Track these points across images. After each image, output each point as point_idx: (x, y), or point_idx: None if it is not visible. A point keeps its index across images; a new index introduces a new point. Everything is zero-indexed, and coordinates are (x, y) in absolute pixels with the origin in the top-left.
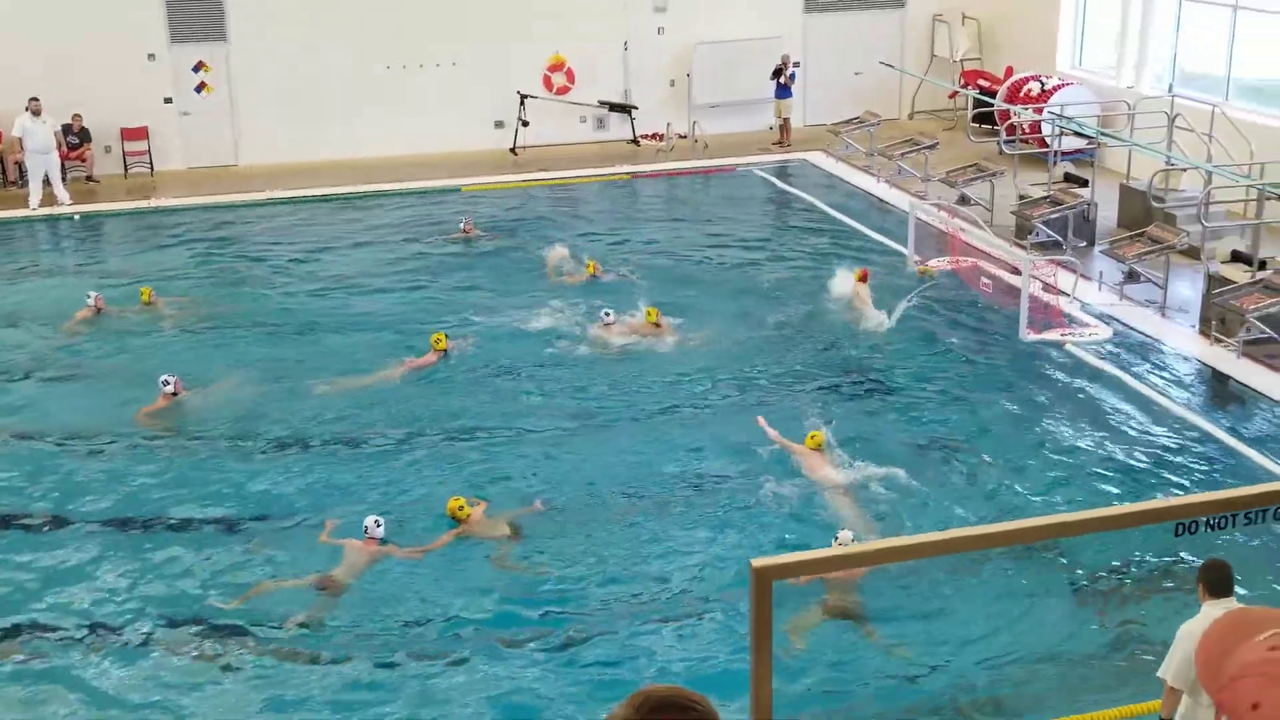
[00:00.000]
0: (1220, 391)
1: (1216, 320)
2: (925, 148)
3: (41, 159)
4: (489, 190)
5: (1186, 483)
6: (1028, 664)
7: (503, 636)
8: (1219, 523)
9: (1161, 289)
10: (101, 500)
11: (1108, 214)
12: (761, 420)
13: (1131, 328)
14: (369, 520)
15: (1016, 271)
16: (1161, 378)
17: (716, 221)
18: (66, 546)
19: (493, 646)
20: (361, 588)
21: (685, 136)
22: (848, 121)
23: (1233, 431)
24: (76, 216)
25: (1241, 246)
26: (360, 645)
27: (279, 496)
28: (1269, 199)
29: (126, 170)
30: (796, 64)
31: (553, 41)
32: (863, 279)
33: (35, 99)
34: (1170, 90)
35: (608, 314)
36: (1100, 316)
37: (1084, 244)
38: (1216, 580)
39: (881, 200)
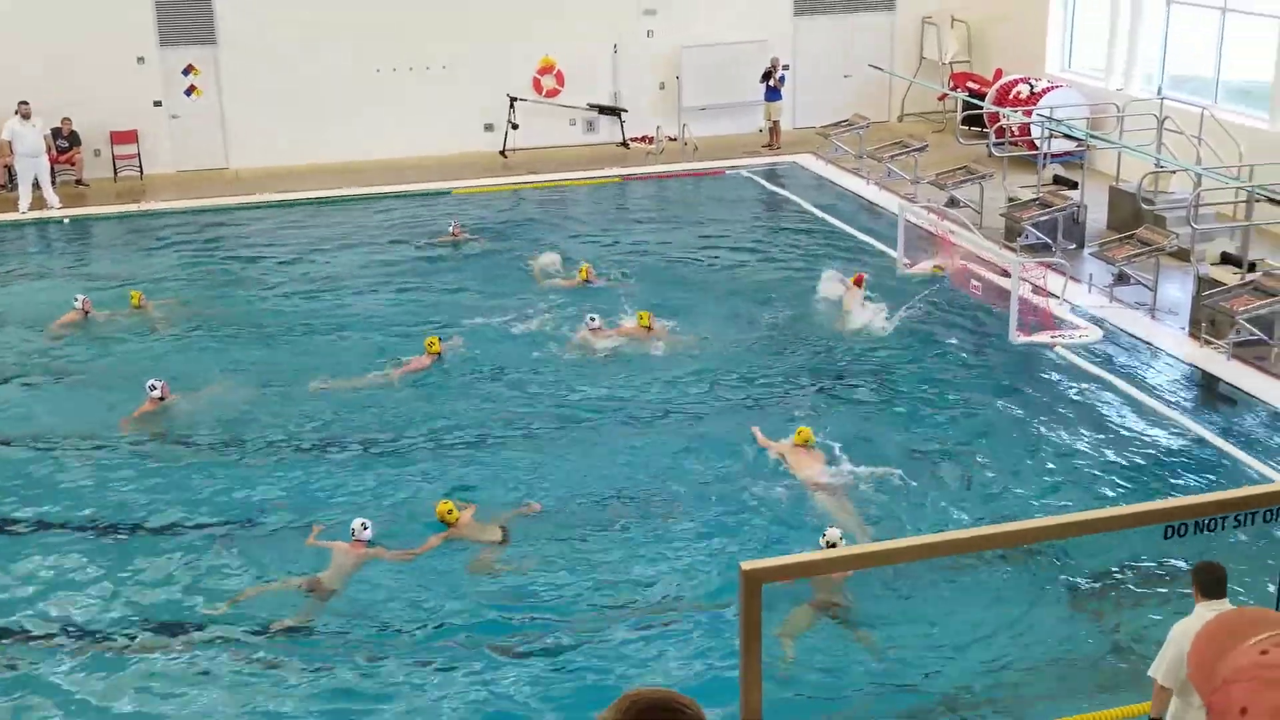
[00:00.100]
0: (1210, 393)
1: (1206, 322)
2: (915, 150)
3: (31, 162)
4: (479, 193)
5: (1176, 485)
6: (1018, 668)
7: (491, 641)
8: (1209, 525)
9: (1151, 291)
10: (87, 505)
11: (1097, 216)
12: (756, 430)
13: (1121, 330)
14: (356, 523)
15: (1006, 274)
16: (1151, 380)
17: (707, 224)
18: (50, 552)
19: (481, 651)
20: (349, 591)
21: (675, 139)
22: (837, 124)
23: (1222, 433)
24: (66, 220)
25: (1231, 248)
26: (347, 649)
27: (267, 500)
28: (1258, 201)
29: (116, 174)
30: (786, 67)
31: (542, 44)
32: (858, 283)
33: (24, 102)
34: (1159, 92)
35: (593, 319)
36: (1090, 319)
37: (1073, 246)
38: (1209, 582)
39: (871, 202)
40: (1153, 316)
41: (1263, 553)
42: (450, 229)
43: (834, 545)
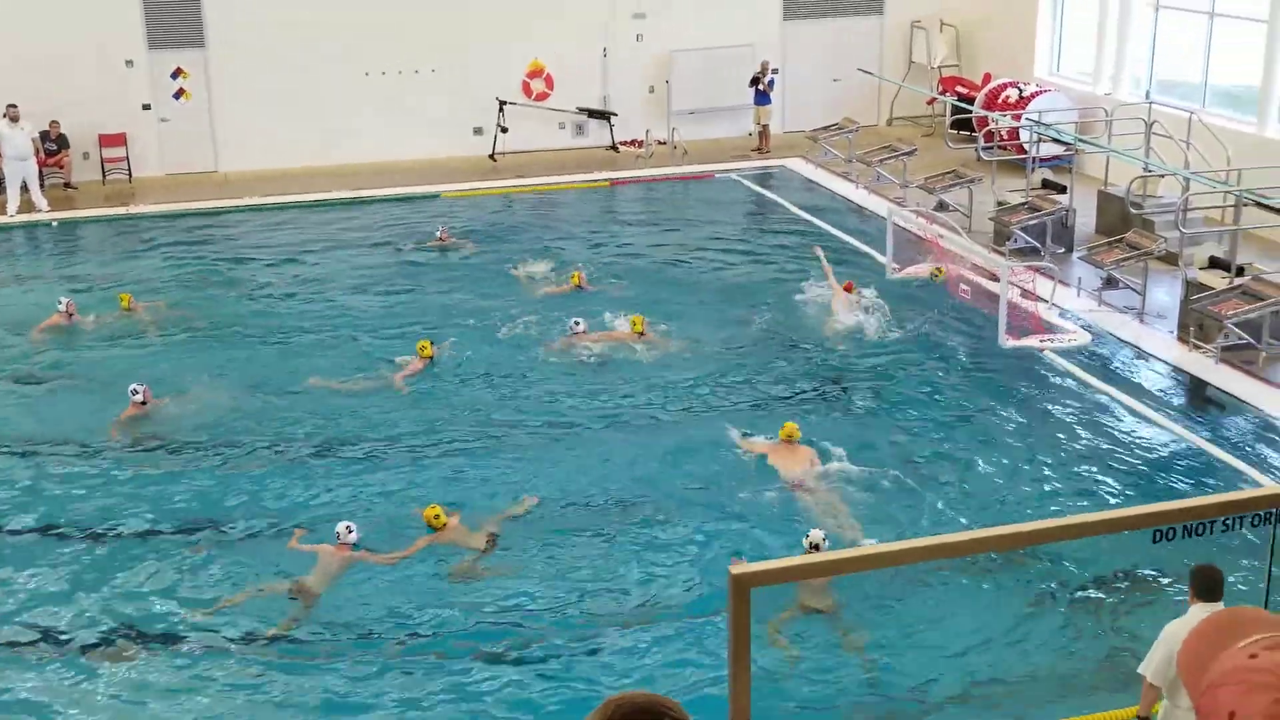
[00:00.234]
0: (1198, 397)
1: (1194, 326)
2: (904, 154)
3: (19, 165)
4: (468, 196)
5: (1164, 489)
6: (1008, 673)
7: (475, 647)
8: (1197, 529)
9: (1140, 295)
10: (67, 510)
11: (1086, 220)
12: (733, 432)
13: (1110, 334)
14: (341, 526)
15: (995, 278)
16: (1139, 384)
17: (696, 228)
18: (30, 558)
19: (465, 656)
20: (334, 596)
21: (665, 143)
22: (826, 128)
23: (1210, 437)
24: (54, 223)
25: (1219, 252)
26: (331, 656)
27: (252, 504)
28: (1246, 205)
29: (105, 177)
30: (775, 71)
31: (531, 48)
32: (848, 289)
33: (13, 105)
34: (1147, 97)
35: (577, 322)
36: (1079, 323)
37: (1062, 250)
38: (1206, 584)
39: (860, 207)
40: (1141, 320)
41: (1252, 555)
42: (438, 233)
43: (817, 547)
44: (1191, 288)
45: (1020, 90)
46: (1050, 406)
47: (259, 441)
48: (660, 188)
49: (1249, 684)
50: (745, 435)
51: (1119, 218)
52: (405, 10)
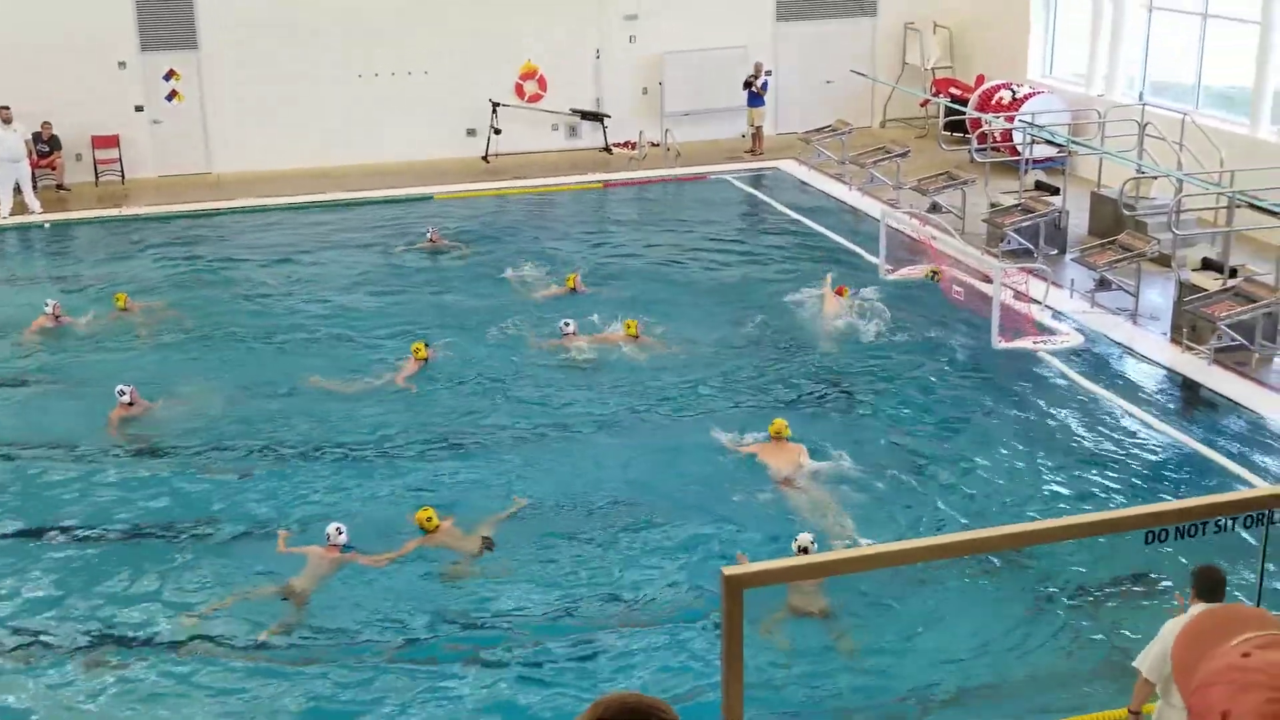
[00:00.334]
0: (1191, 399)
1: (1187, 327)
2: (897, 156)
3: (11, 167)
4: (461, 198)
5: (1157, 490)
6: (1001, 672)
7: (466, 650)
8: (1190, 530)
9: (1133, 296)
10: (54, 513)
11: (1079, 222)
12: (719, 434)
13: (1103, 335)
14: (331, 527)
15: (988, 279)
16: (1132, 385)
17: (689, 230)
18: (18, 561)
19: (456, 658)
20: (324, 597)
21: (658, 144)
22: (820, 130)
23: (1203, 439)
24: (47, 225)
25: (1212, 254)
26: (322, 658)
27: (240, 506)
28: (1239, 206)
29: (98, 178)
30: (768, 72)
31: (525, 49)
32: (840, 292)
33: (5, 107)
34: (1140, 98)
35: (567, 324)
36: (1072, 324)
37: (1055, 252)
38: (1207, 585)
39: (854, 208)
40: (1134, 322)
41: (1245, 555)
42: (428, 235)
43: (805, 550)
44: (1184, 289)
45: (1014, 92)
46: (1043, 408)
47: (250, 443)
48: (653, 189)
49: (1241, 683)
50: (734, 437)
51: (1112, 219)
52: (398, 12)
